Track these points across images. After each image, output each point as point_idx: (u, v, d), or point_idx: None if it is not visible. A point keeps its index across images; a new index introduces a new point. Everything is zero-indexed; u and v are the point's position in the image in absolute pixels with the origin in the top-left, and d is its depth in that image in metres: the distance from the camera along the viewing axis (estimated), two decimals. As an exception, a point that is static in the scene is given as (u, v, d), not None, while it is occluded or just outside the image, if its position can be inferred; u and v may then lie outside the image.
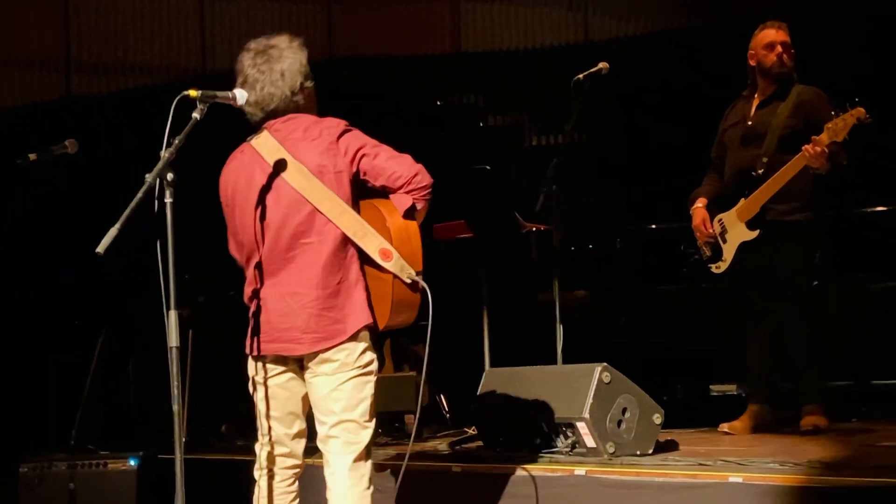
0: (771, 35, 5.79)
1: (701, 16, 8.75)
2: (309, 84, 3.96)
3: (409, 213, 3.86)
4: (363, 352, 3.84)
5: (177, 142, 3.59)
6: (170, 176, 3.56)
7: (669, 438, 5.26)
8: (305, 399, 3.94)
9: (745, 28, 5.99)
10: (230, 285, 8.06)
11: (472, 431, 6.06)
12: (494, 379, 5.59)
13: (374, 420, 3.87)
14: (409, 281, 3.82)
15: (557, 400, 5.07)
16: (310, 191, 3.78)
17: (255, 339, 3.90)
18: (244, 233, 3.91)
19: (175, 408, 3.56)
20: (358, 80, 9.39)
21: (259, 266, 3.89)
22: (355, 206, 3.85)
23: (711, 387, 7.48)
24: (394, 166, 3.83)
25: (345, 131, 3.89)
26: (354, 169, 3.84)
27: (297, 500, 4.05)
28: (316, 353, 3.81)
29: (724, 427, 5.81)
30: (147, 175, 3.53)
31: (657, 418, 5.00)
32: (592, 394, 4.87)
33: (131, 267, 5.73)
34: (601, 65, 5.80)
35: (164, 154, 3.57)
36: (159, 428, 4.64)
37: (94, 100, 9.35)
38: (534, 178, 6.16)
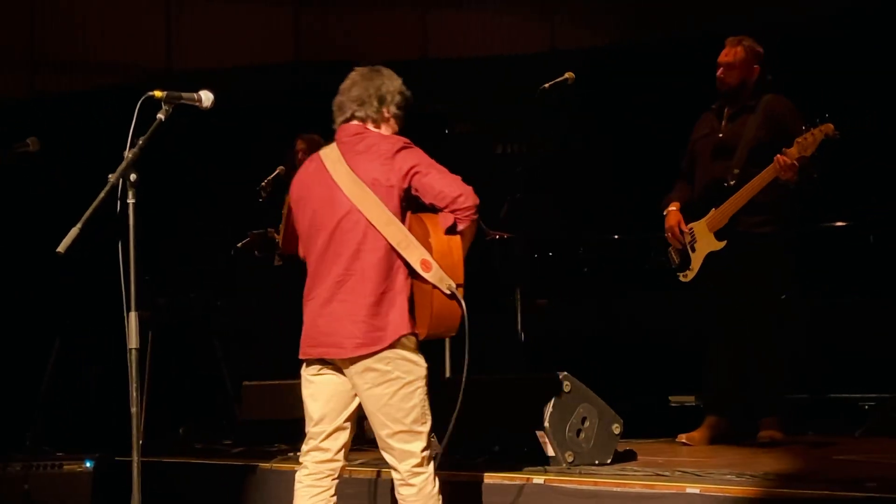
0: (721, 54, 5.85)
1: (667, 28, 8.79)
2: (396, 111, 4.19)
3: (451, 230, 4.02)
4: (406, 360, 3.99)
5: (141, 142, 3.58)
6: (133, 176, 3.54)
7: (628, 448, 5.27)
8: (350, 402, 4.10)
9: (711, 41, 6.03)
10: (189, 287, 8.10)
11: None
12: (454, 387, 5.57)
13: (427, 425, 4.04)
14: (448, 292, 3.97)
15: (517, 408, 5.07)
16: (362, 201, 3.97)
17: (305, 341, 4.11)
18: (303, 237, 4.18)
19: (133, 410, 3.54)
20: (324, 84, 9.35)
21: (315, 270, 4.11)
22: (403, 219, 4.02)
23: (670, 397, 7.52)
24: (441, 186, 3.99)
25: (403, 148, 4.06)
26: (406, 185, 4.01)
27: (335, 499, 4.17)
28: (358, 360, 3.96)
29: (683, 438, 5.83)
30: (110, 175, 3.51)
31: (616, 428, 5.01)
32: (552, 402, 4.88)
33: (90, 267, 5.69)
34: (567, 74, 5.81)
35: (128, 154, 3.56)
36: (116, 430, 4.62)
37: (59, 98, 9.28)
38: (498, 185, 6.17)
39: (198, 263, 8.41)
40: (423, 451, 4.01)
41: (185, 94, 3.78)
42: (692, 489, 4.25)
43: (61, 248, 3.43)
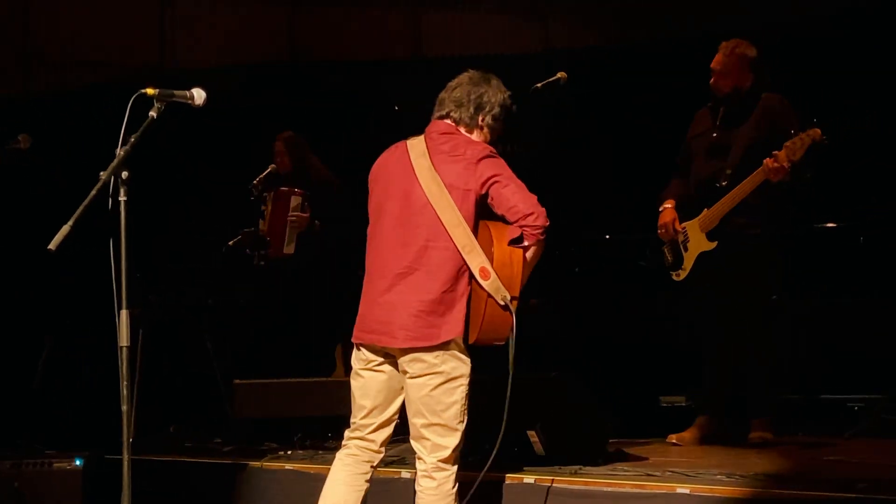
0: (713, 61, 5.86)
1: (662, 29, 8.80)
2: (491, 122, 4.26)
3: (515, 242, 4.06)
4: (455, 358, 4.05)
5: (133, 140, 3.57)
6: (124, 174, 3.54)
7: (619, 448, 5.28)
8: (397, 397, 4.17)
9: (706, 41, 6.03)
10: (181, 285, 8.08)
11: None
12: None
13: (463, 424, 4.08)
14: (502, 303, 4.01)
15: (508, 408, 5.06)
16: (438, 199, 4.04)
17: (359, 325, 4.16)
18: (375, 222, 4.21)
19: (123, 408, 3.53)
20: (318, 84, 9.37)
21: (377, 256, 4.16)
22: (474, 224, 4.06)
23: (661, 398, 7.52)
24: (515, 200, 4.06)
25: (488, 156, 4.12)
26: (483, 192, 4.07)
27: (367, 487, 4.25)
28: (408, 351, 4.02)
29: (673, 438, 5.84)
30: (101, 173, 3.51)
31: (607, 428, 5.02)
32: (544, 402, 4.88)
33: (82, 265, 5.68)
34: (559, 74, 5.79)
35: (120, 152, 3.55)
36: (107, 428, 4.60)
37: (51, 95, 9.26)
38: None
39: (189, 261, 8.39)
40: (454, 448, 4.07)
41: (177, 92, 3.78)
42: (682, 489, 4.26)
43: (52, 246, 3.42)
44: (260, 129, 7.91)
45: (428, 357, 4.02)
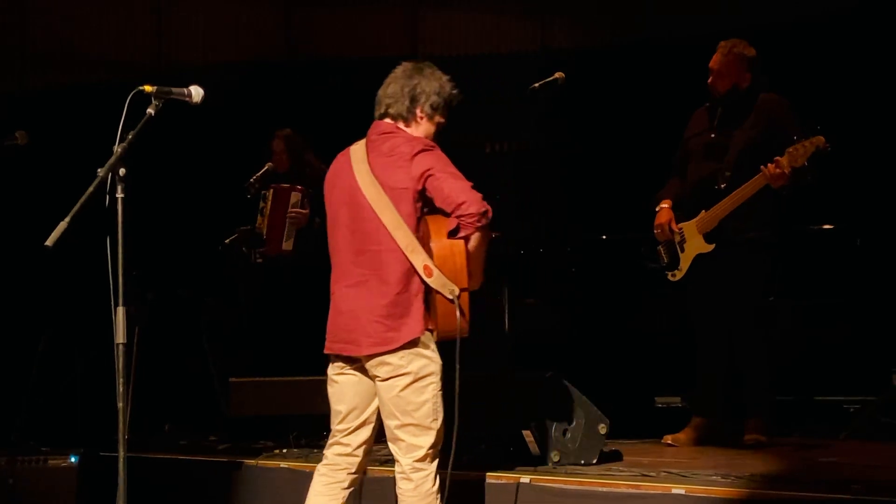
0: (711, 60, 5.85)
1: (657, 30, 8.80)
2: (430, 112, 4.20)
3: (453, 234, 4.02)
4: (421, 356, 4.02)
5: (130, 137, 3.57)
6: (122, 171, 3.54)
7: (614, 449, 5.28)
8: (372, 400, 4.14)
9: (704, 42, 6.03)
10: (177, 282, 8.08)
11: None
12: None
13: (437, 421, 4.05)
14: (450, 297, 3.98)
15: (504, 407, 5.07)
16: (377, 203, 4.03)
17: (328, 336, 4.16)
18: (331, 233, 4.20)
19: (119, 405, 3.53)
20: (314, 81, 9.36)
21: (337, 266, 4.17)
22: (416, 222, 4.05)
23: (656, 398, 7.53)
24: (448, 191, 4.01)
25: (422, 150, 4.07)
26: (420, 187, 4.03)
27: (349, 492, 4.23)
28: (373, 356, 4.02)
29: (668, 439, 5.85)
30: (99, 169, 3.50)
31: (602, 428, 5.02)
32: (539, 402, 4.88)
33: (78, 261, 5.68)
34: (557, 74, 5.78)
35: (117, 149, 3.55)
36: (102, 425, 4.60)
37: (49, 92, 9.24)
38: (487, 184, 6.15)
39: (186, 259, 8.39)
40: (430, 447, 4.04)
41: (175, 90, 3.78)
42: (678, 490, 4.26)
43: (49, 242, 3.42)
44: (257, 126, 7.90)
45: (393, 359, 4.01)
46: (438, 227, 4.03)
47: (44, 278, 7.85)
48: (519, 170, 6.02)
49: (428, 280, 3.99)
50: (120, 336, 3.54)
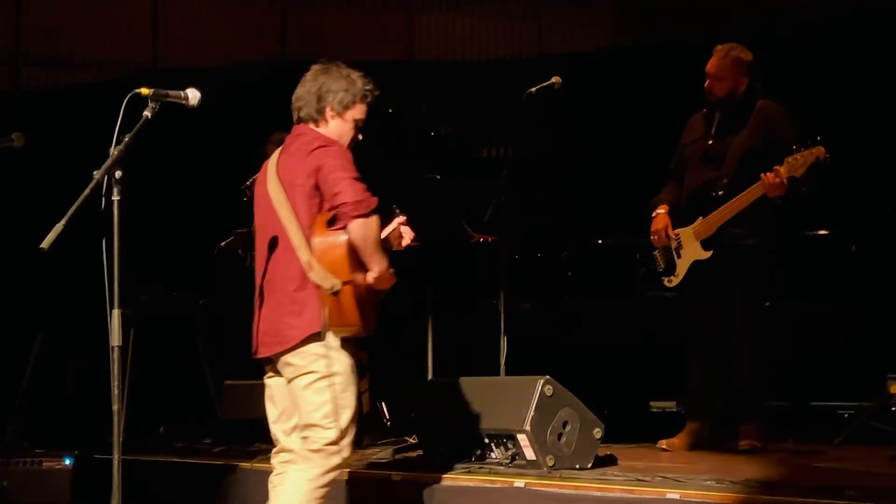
0: (708, 64, 5.85)
1: (654, 33, 8.81)
2: (341, 109, 4.19)
3: (331, 225, 4.00)
4: (322, 356, 4.01)
5: (127, 139, 3.57)
6: (118, 173, 3.54)
7: (609, 453, 5.28)
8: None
9: (700, 46, 6.03)
10: (173, 285, 8.07)
11: (412, 440, 6.06)
12: (437, 388, 5.58)
13: (339, 421, 4.02)
14: (331, 291, 3.96)
15: (499, 411, 5.07)
16: (278, 202, 4.07)
17: (253, 340, 4.22)
18: (256, 238, 4.26)
19: (115, 407, 3.53)
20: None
21: (257, 271, 4.21)
22: (311, 219, 4.03)
23: (651, 403, 7.53)
24: (330, 184, 4.00)
25: (319, 147, 4.08)
26: (313, 181, 4.03)
27: None
28: (280, 356, 4.06)
29: (663, 443, 5.84)
30: (95, 172, 3.50)
31: (597, 433, 5.02)
32: (534, 406, 4.88)
33: (74, 264, 5.67)
34: (554, 79, 5.81)
35: (114, 151, 3.55)
36: (96, 427, 4.60)
37: (44, 94, 9.24)
38: (483, 189, 6.17)
39: (181, 262, 8.38)
40: (327, 444, 4.02)
41: (171, 92, 3.79)
42: (672, 495, 4.26)
43: (45, 245, 3.42)
44: (252, 129, 7.90)
45: (294, 359, 4.05)
46: (320, 222, 4.03)
47: (39, 280, 7.85)
48: (515, 174, 6.01)
49: (309, 275, 3.98)
50: (115, 338, 3.54)
